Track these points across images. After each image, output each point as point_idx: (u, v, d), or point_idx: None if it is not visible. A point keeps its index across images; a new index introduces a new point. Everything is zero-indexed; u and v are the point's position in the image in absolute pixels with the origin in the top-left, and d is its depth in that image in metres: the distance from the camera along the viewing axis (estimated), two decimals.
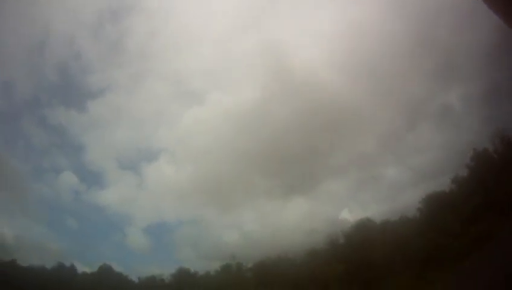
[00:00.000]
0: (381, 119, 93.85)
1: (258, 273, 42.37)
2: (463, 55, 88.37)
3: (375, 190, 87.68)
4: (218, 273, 49.22)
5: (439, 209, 48.80)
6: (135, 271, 68.17)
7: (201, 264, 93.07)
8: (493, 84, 71.52)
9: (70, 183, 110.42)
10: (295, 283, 35.62)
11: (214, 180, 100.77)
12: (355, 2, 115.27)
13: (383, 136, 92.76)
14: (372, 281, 41.01)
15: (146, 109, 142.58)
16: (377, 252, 43.11)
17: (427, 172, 71.86)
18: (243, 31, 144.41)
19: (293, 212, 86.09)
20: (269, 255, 45.48)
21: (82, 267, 67.99)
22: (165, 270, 62.18)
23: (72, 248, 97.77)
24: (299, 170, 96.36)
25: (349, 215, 76.94)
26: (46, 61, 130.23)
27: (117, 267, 65.19)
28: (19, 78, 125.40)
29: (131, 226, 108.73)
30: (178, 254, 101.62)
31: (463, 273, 33.85)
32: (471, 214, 44.85)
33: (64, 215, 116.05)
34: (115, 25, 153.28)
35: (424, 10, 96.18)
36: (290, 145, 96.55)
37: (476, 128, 72.74)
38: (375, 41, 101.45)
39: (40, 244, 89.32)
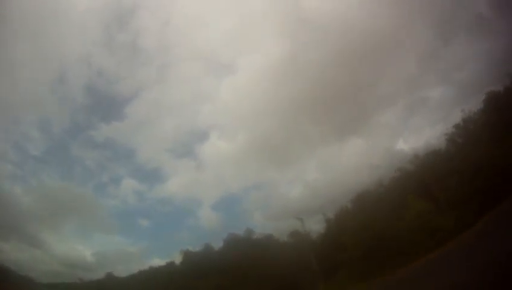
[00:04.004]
0: (416, 39, 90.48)
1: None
2: None
3: (425, 113, 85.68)
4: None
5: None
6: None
7: (270, 226, 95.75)
8: None
9: (131, 188, 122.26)
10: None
11: (267, 140, 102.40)
12: None
13: (422, 56, 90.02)
14: None
15: (182, 94, 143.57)
16: None
17: (473, 87, 67.47)
18: None
19: (350, 153, 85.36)
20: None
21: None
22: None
23: (151, 245, 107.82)
24: (347, 108, 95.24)
25: (404, 145, 79.38)
26: (72, 88, 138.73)
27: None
28: (52, 112, 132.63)
29: (200, 208, 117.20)
30: (248, 221, 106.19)
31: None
32: None
33: (134, 218, 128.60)
34: (123, 30, 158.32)
35: None
36: (332, 87, 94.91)
37: None
38: None
39: (119, 252, 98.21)
